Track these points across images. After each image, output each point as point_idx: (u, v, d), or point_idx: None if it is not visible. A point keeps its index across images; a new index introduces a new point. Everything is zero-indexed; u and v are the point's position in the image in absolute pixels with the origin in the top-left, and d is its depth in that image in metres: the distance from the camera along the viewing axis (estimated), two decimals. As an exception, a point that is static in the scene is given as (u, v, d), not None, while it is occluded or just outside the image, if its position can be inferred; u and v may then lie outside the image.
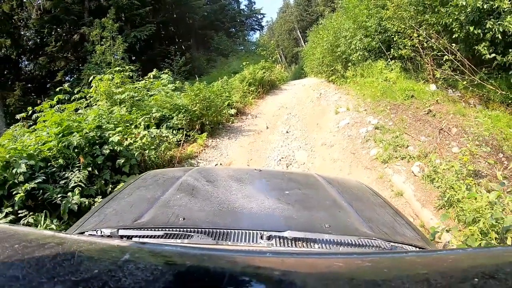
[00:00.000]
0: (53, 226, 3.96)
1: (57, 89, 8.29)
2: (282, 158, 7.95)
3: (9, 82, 20.70)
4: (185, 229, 1.62)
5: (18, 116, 7.17)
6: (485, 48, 6.78)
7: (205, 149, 8.62)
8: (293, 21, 56.22)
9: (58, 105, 7.34)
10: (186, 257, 0.84)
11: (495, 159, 5.06)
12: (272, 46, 23.12)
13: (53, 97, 9.90)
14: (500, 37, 6.37)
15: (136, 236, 1.58)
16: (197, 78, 12.83)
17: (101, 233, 1.59)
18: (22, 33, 21.39)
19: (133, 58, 18.21)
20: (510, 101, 6.95)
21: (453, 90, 8.47)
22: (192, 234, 1.58)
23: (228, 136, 9.83)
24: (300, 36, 52.34)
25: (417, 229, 2.13)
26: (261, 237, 1.58)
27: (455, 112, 6.94)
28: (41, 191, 4.35)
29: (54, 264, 0.74)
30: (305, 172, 5.08)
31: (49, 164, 4.74)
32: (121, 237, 1.56)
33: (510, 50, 6.29)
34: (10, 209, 4.00)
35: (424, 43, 8.81)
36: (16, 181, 4.21)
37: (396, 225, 2.01)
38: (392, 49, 10.68)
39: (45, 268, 0.72)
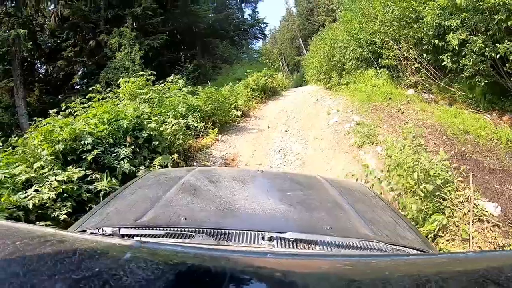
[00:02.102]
0: (114, 181, 5.49)
1: (90, 89, 9.70)
2: (281, 149, 9.28)
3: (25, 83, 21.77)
4: (186, 229, 1.63)
5: (51, 111, 7.64)
6: (448, 57, 7.93)
7: (216, 142, 9.94)
8: (295, 30, 56.22)
9: (89, 102, 8.49)
10: (187, 257, 0.86)
11: (441, 140, 6.59)
12: (274, 55, 24.24)
13: (73, 97, 11.26)
14: (457, 48, 7.50)
15: (137, 235, 1.59)
16: (209, 83, 14.29)
17: (102, 231, 1.61)
18: (38, 37, 22.30)
19: (142, 62, 19.24)
20: (469, 100, 8.30)
21: (428, 93, 9.87)
22: (194, 234, 1.59)
23: (235, 133, 11.12)
24: (302, 45, 52.04)
25: (418, 232, 2.16)
26: (263, 238, 1.59)
27: (419, 109, 8.39)
28: (102, 157, 5.86)
29: (55, 261, 0.77)
30: (307, 174, 5.06)
31: (101, 142, 6.20)
32: (123, 236, 1.58)
33: (462, 59, 7.61)
34: (79, 168, 5.42)
35: (405, 54, 10.19)
36: (84, 149, 5.73)
37: (398, 228, 2.04)
38: (380, 59, 11.88)
39: (46, 266, 0.75)
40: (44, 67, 24.24)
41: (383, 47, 11.28)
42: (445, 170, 4.67)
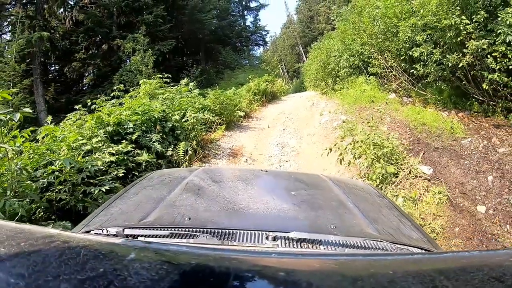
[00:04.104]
0: (151, 155, 7.05)
1: (115, 88, 11.14)
2: (279, 143, 10.76)
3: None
4: (190, 229, 1.65)
5: (77, 106, 8.72)
6: (421, 66, 9.26)
7: (223, 137, 11.37)
8: (296, 37, 57.31)
9: (113, 99, 9.96)
10: (191, 257, 0.87)
11: (405, 131, 8.23)
12: (274, 62, 25.56)
13: (86, 96, 12.57)
14: (426, 58, 8.89)
15: (141, 236, 1.61)
16: (216, 87, 15.74)
17: (106, 232, 1.63)
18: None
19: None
20: (438, 102, 9.66)
21: (408, 97, 11.32)
22: (198, 234, 1.60)
23: (239, 130, 12.56)
24: (302, 52, 53.10)
25: (423, 231, 2.16)
26: (267, 238, 1.60)
27: (393, 109, 9.95)
28: (140, 139, 7.42)
29: (59, 262, 0.77)
30: (311, 173, 4.97)
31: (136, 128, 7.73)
32: (127, 236, 1.59)
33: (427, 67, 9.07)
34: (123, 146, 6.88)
35: (388, 63, 11.61)
36: (127, 131, 7.35)
37: (402, 227, 2.03)
38: (369, 67, 13.09)
39: (50, 266, 0.75)
40: (57, 67, 25.74)
41: (371, 57, 12.64)
42: (392, 143, 6.48)
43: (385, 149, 6.22)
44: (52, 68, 26.17)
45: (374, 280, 0.78)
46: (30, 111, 4.26)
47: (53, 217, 4.82)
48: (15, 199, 4.19)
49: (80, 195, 5.15)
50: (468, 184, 5.99)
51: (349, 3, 19.19)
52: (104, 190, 5.30)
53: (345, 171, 7.59)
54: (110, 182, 5.65)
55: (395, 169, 6.23)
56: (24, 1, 20.91)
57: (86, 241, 0.96)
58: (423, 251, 1.72)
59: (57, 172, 5.12)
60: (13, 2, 21.10)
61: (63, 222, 4.41)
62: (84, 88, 25.95)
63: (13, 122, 4.03)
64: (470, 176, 6.12)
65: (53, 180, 5.09)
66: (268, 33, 62.52)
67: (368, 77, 13.85)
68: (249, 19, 48.78)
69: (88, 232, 1.73)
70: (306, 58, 43.21)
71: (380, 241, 1.66)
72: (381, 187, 6.11)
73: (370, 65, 12.88)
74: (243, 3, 46.16)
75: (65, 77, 24.50)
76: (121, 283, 0.68)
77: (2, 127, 4.29)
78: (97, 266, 0.76)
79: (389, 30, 11.18)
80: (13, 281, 0.69)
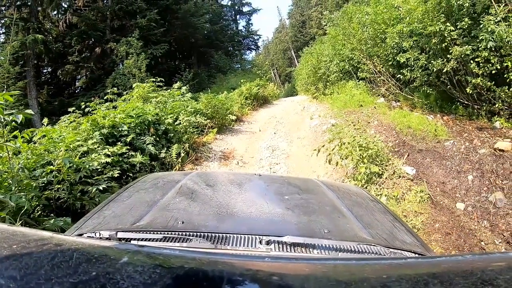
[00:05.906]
0: (145, 157, 7.23)
1: (108, 91, 11.35)
2: (270, 146, 10.98)
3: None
4: (184, 233, 1.66)
5: (70, 109, 8.87)
6: (408, 71, 9.49)
7: (215, 140, 11.56)
8: (288, 41, 57.86)
9: (107, 103, 9.99)
10: (184, 261, 0.87)
11: (391, 134, 8.51)
12: (266, 66, 25.77)
13: (79, 98, 12.72)
14: (412, 63, 9.13)
15: (134, 239, 1.61)
16: (209, 91, 15.94)
17: (99, 235, 1.62)
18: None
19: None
20: (425, 106, 9.90)
21: (396, 101, 11.57)
22: (191, 238, 1.61)
23: (231, 134, 12.76)
24: (294, 56, 53.78)
25: (416, 235, 2.17)
26: (260, 242, 1.60)
27: (380, 112, 10.21)
28: (134, 141, 7.60)
29: (52, 265, 0.77)
30: (305, 177, 5.07)
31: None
32: (120, 239, 1.59)
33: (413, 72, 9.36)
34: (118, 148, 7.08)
35: (377, 68, 11.86)
36: (122, 134, 7.52)
37: (396, 231, 2.04)
38: (359, 72, 13.24)
39: (43, 269, 0.75)
40: (50, 69, 25.82)
41: (360, 62, 12.88)
42: (378, 145, 6.80)
43: (370, 151, 6.51)
44: (45, 71, 26.23)
45: (367, 284, 0.79)
46: (32, 112, 4.42)
47: (52, 214, 5.03)
48: (21, 193, 4.39)
49: (78, 194, 5.38)
50: (449, 183, 6.27)
51: (340, 8, 19.50)
52: (101, 188, 5.55)
53: (333, 173, 7.84)
54: (106, 182, 5.85)
55: (379, 169, 6.52)
56: (18, 3, 20.92)
57: (79, 244, 0.95)
58: (417, 255, 1.75)
59: (56, 172, 5.33)
60: (7, 4, 21.17)
61: (64, 218, 4.61)
62: (77, 91, 25.85)
63: (14, 123, 4.19)
64: (452, 176, 6.40)
65: (52, 179, 5.31)
66: (260, 37, 63.03)
67: (358, 81, 14.08)
68: (242, 24, 49.36)
69: (81, 235, 1.74)
70: (297, 62, 43.53)
71: (374, 245, 1.68)
72: (366, 186, 6.36)
73: (359, 70, 13.07)
74: (236, 7, 46.53)
75: (58, 80, 24.50)
76: (113, 286, 0.69)
77: (4, 128, 4.46)
78: (90, 270, 0.76)
79: (377, 36, 11.44)
80: (5, 283, 0.70)
